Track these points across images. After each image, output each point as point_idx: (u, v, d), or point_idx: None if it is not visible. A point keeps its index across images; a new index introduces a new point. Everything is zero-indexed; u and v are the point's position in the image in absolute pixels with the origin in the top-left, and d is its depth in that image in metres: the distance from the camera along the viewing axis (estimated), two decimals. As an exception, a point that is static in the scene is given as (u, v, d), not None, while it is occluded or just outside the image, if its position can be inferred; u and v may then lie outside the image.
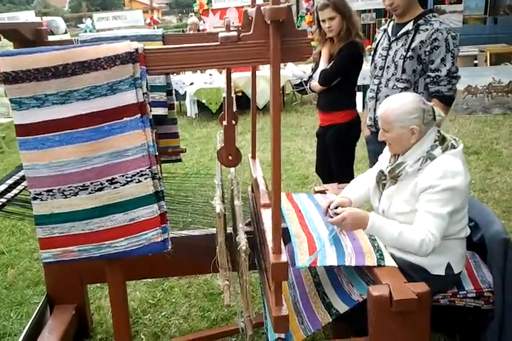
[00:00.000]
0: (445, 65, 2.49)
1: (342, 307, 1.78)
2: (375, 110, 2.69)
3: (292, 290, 2.04)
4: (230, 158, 1.51)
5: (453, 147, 1.90)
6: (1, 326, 2.77)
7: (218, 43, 1.26)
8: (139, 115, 1.28)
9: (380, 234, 1.86)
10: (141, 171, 1.32)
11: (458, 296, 2.03)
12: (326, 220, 2.06)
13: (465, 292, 2.02)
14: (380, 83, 2.67)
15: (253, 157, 2.29)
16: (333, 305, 1.82)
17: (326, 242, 1.86)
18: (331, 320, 1.79)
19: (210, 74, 7.88)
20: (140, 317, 2.79)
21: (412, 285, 1.61)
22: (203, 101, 7.62)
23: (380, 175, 2.02)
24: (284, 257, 1.32)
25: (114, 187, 1.32)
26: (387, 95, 2.62)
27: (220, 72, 8.35)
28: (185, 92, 7.82)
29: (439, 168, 1.85)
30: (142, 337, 2.62)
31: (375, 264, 1.74)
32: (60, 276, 2.45)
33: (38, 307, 2.46)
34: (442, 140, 1.91)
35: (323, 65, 3.12)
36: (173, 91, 2.26)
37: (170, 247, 1.38)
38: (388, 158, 2.06)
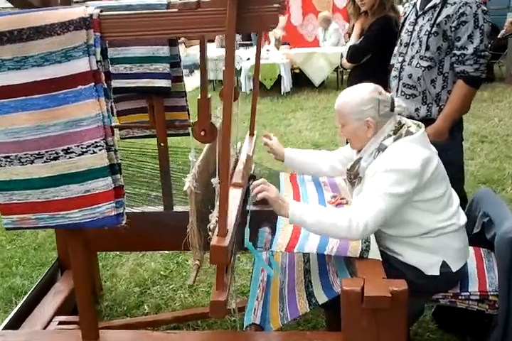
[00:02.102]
0: (472, 43, 2.25)
1: (322, 298, 1.69)
2: (397, 90, 2.50)
3: (282, 275, 1.97)
4: (203, 133, 1.43)
5: (409, 134, 1.72)
6: (21, 284, 2.91)
7: (176, 10, 1.18)
8: (93, 84, 1.24)
9: (303, 223, 1.66)
10: (96, 142, 1.28)
11: (460, 297, 1.87)
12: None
13: (468, 293, 1.86)
14: (403, 61, 2.46)
15: (251, 134, 2.19)
16: (314, 294, 1.73)
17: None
18: (309, 310, 1.70)
19: (268, 50, 7.76)
20: (149, 288, 2.84)
21: (389, 281, 1.48)
22: (258, 77, 7.53)
23: (349, 174, 1.88)
24: (227, 241, 1.25)
25: (70, 157, 1.30)
26: (411, 74, 2.43)
27: (278, 48, 8.19)
28: (241, 68, 7.75)
29: (387, 155, 1.70)
30: (146, 307, 2.66)
31: (357, 255, 1.63)
32: (69, 242, 2.51)
33: (47, 270, 2.55)
34: (399, 129, 1.75)
35: (353, 40, 2.94)
36: (181, 63, 2.19)
37: (124, 222, 1.35)
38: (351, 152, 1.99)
